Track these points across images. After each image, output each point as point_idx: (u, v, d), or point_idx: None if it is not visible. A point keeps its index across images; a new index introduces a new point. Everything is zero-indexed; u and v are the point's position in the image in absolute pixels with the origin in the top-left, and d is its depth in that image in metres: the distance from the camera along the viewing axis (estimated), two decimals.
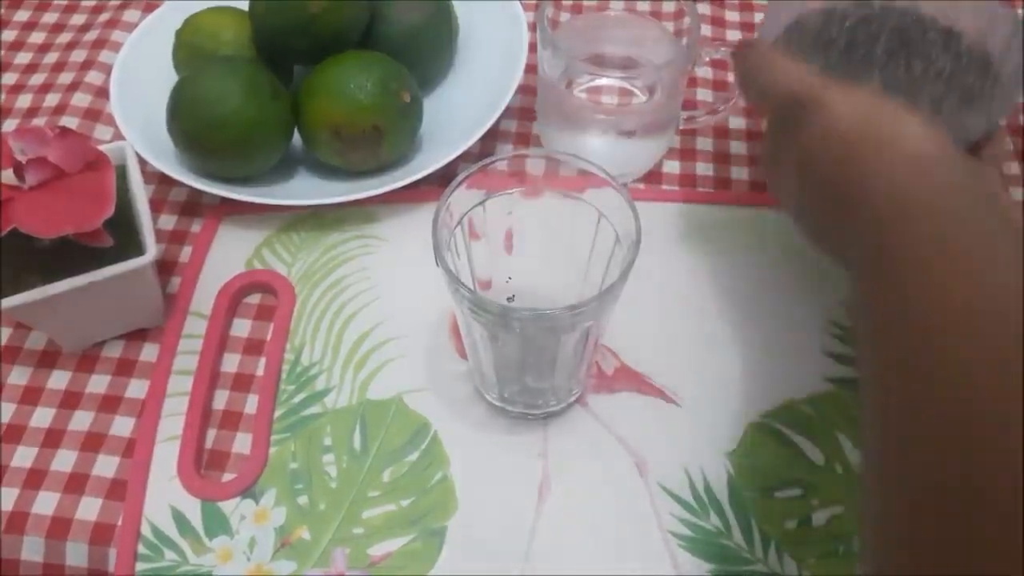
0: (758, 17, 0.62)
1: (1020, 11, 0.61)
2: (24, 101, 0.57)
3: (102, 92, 0.56)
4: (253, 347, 0.46)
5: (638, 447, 0.42)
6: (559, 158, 0.38)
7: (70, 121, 0.55)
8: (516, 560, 0.39)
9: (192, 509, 0.41)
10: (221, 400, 0.44)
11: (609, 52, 0.53)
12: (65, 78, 0.58)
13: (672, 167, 0.53)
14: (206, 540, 0.40)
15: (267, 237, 0.50)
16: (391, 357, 0.45)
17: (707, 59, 0.49)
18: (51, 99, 0.57)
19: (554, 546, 0.40)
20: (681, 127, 0.53)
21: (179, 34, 0.51)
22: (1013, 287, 0.26)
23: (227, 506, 0.41)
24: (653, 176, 0.53)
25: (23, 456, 0.42)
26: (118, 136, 0.51)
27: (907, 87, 0.45)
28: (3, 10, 0.63)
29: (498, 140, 0.54)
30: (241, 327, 0.47)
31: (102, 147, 0.44)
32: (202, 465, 0.42)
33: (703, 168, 0.53)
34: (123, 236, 0.43)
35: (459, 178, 0.37)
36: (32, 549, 0.40)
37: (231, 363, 0.45)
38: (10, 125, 0.55)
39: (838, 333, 0.46)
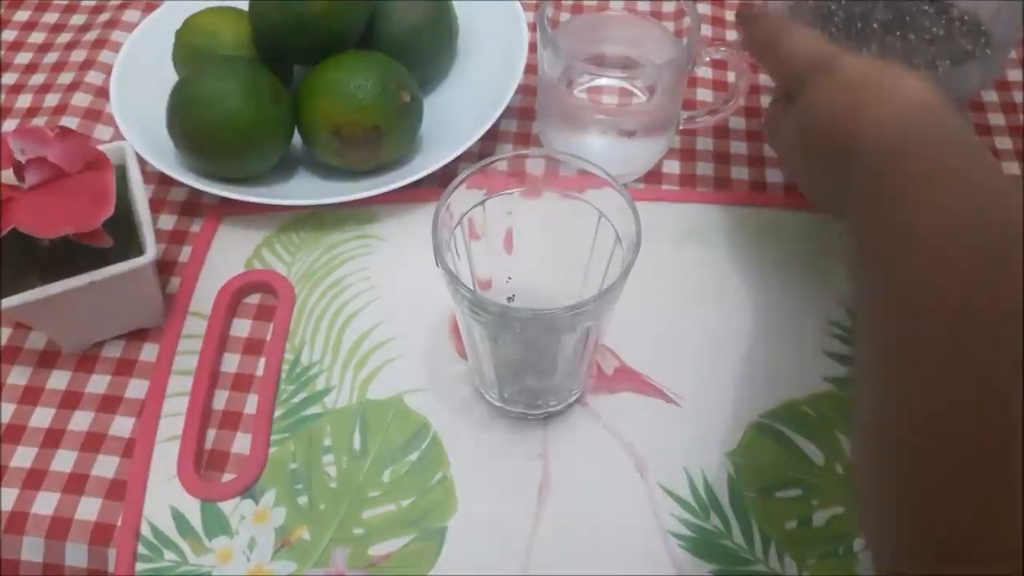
0: None
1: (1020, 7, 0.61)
2: (24, 101, 0.57)
3: (102, 92, 0.56)
4: (253, 347, 0.46)
5: (638, 447, 0.42)
6: (559, 158, 0.38)
7: (70, 121, 0.55)
8: (516, 560, 0.39)
9: (192, 509, 0.40)
10: (221, 400, 0.44)
11: (609, 52, 0.53)
12: (65, 78, 0.58)
13: (672, 167, 0.53)
14: (206, 540, 0.40)
15: (267, 237, 0.50)
16: (391, 357, 0.45)
17: (707, 59, 0.49)
18: (51, 99, 0.57)
19: (554, 546, 0.40)
20: (681, 127, 0.53)
21: (179, 34, 0.51)
22: (991, 199, 0.30)
23: (227, 506, 0.41)
24: (653, 176, 0.53)
25: (23, 456, 0.42)
26: (118, 136, 0.51)
27: (905, 54, 0.48)
28: (3, 10, 0.63)
29: (498, 140, 0.54)
30: (241, 327, 0.47)
31: (102, 147, 0.44)
32: (202, 465, 0.42)
33: (703, 168, 0.53)
34: (123, 236, 0.43)
35: (459, 178, 0.37)
36: (32, 549, 0.40)
37: (231, 363, 0.45)
38: (10, 125, 0.55)
39: (838, 333, 0.46)
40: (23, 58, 0.60)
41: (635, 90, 0.51)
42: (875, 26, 0.51)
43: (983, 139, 0.54)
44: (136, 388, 0.44)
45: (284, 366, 0.45)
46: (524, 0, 0.56)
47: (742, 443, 0.42)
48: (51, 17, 0.63)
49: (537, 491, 0.41)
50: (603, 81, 0.51)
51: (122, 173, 0.44)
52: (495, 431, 0.43)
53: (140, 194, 0.44)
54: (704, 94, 0.57)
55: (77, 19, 0.63)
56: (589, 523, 0.40)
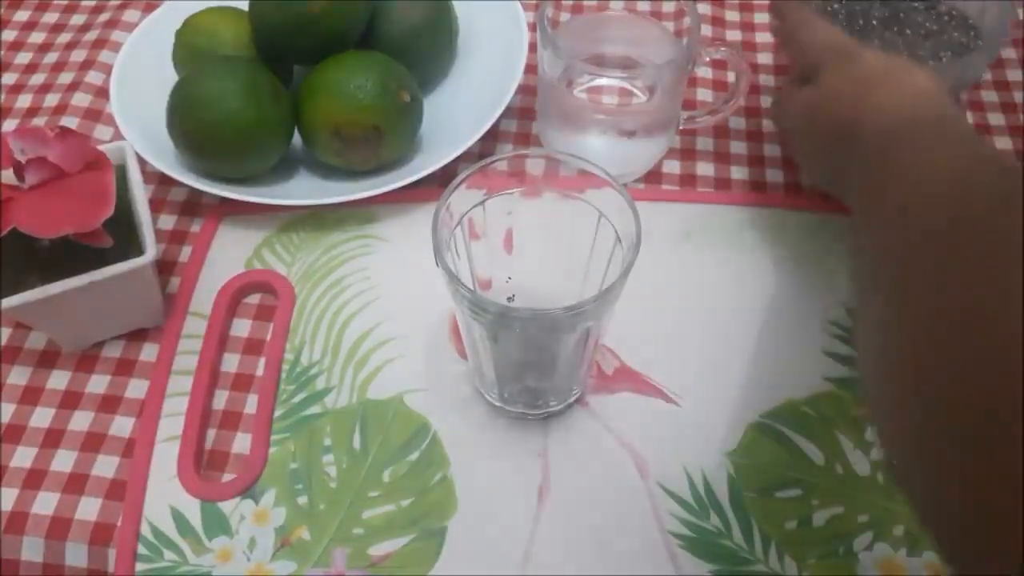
0: (758, 17, 0.62)
1: (1020, 11, 0.61)
2: (24, 101, 0.57)
3: (102, 92, 0.56)
4: (253, 347, 0.46)
5: (638, 447, 0.42)
6: (559, 158, 0.38)
7: (70, 121, 0.55)
8: (516, 560, 0.39)
9: (192, 509, 0.40)
10: (221, 400, 0.44)
11: (609, 52, 0.53)
12: (65, 78, 0.58)
13: (672, 167, 0.53)
14: (206, 540, 0.40)
15: (267, 237, 0.50)
16: (391, 357, 0.45)
17: (707, 59, 0.49)
18: (51, 99, 0.57)
19: (554, 546, 0.40)
20: (681, 127, 0.53)
21: (179, 34, 0.51)
22: (975, 167, 0.33)
23: (227, 506, 0.41)
24: (653, 176, 0.52)
25: (23, 456, 0.42)
26: (118, 136, 0.51)
27: (907, 48, 0.52)
28: (3, 10, 0.63)
29: (498, 140, 0.54)
30: (241, 327, 0.47)
31: (102, 147, 0.44)
32: (202, 465, 0.42)
33: (703, 168, 0.53)
34: (123, 236, 0.43)
35: (459, 178, 0.37)
36: (32, 549, 0.40)
37: (231, 363, 0.45)
38: (10, 125, 0.55)
39: (838, 333, 0.46)
40: (23, 58, 0.60)
41: (635, 90, 0.51)
42: (874, 23, 0.53)
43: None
44: (136, 388, 0.44)
45: (284, 366, 0.45)
46: (524, 0, 0.56)
47: (742, 443, 0.42)
48: (51, 17, 0.63)
49: (537, 491, 0.41)
50: (603, 81, 0.51)
51: (122, 173, 0.44)
52: (495, 431, 0.43)
53: (140, 194, 0.44)
54: (704, 94, 0.57)
55: (77, 19, 0.63)
56: (589, 523, 0.40)
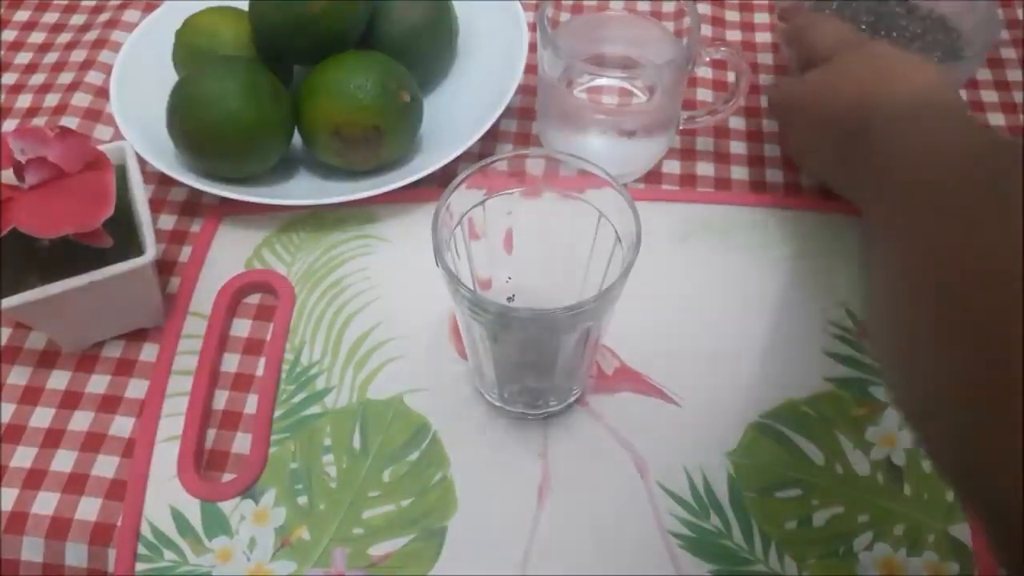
0: (758, 17, 0.62)
1: (1020, 11, 0.61)
2: (24, 101, 0.57)
3: (102, 92, 0.56)
4: (253, 347, 0.46)
5: (638, 447, 0.42)
6: (559, 158, 0.38)
7: (70, 121, 0.55)
8: (516, 560, 0.39)
9: (192, 509, 0.41)
10: (221, 400, 0.44)
11: (609, 52, 0.53)
12: (65, 78, 0.58)
13: (672, 167, 0.53)
14: (206, 540, 0.40)
15: (267, 237, 0.50)
16: (391, 357, 0.45)
17: (707, 59, 0.49)
18: (51, 99, 0.57)
19: (554, 546, 0.40)
20: (681, 127, 0.53)
21: (179, 34, 0.51)
22: (986, 146, 0.34)
23: (227, 506, 0.41)
24: (653, 176, 0.52)
25: (23, 456, 0.42)
26: (118, 136, 0.51)
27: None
28: (3, 10, 0.63)
29: (498, 140, 0.54)
30: (241, 327, 0.47)
31: (102, 147, 0.44)
32: (202, 465, 0.42)
33: (703, 168, 0.53)
34: (123, 236, 0.43)
35: (459, 178, 0.37)
36: (32, 549, 0.40)
37: (231, 363, 0.45)
38: (10, 125, 0.55)
39: (838, 333, 0.46)
40: (23, 58, 0.60)
41: (635, 90, 0.51)
42: (863, 27, 0.54)
43: None
44: (136, 388, 0.44)
45: (284, 366, 0.45)
46: (524, 0, 0.56)
47: (742, 443, 0.42)
48: (51, 17, 0.63)
49: (537, 491, 0.41)
50: (603, 81, 0.51)
51: (122, 173, 0.44)
52: (495, 431, 0.43)
53: (140, 194, 0.44)
54: (704, 94, 0.57)
55: (77, 19, 0.63)
56: (589, 523, 0.40)
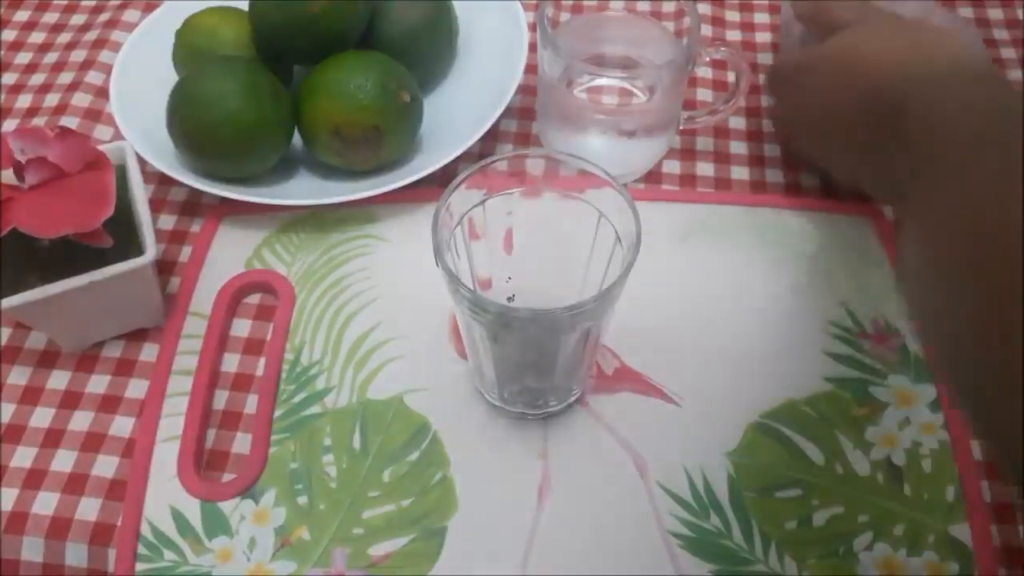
0: (758, 17, 0.62)
1: (1020, 11, 0.61)
2: (24, 101, 0.57)
3: (102, 92, 0.56)
4: (253, 347, 0.46)
5: (638, 447, 0.42)
6: (559, 158, 0.38)
7: (70, 121, 0.55)
8: (516, 560, 0.39)
9: (192, 509, 0.41)
10: (221, 400, 0.44)
11: (609, 52, 0.53)
12: (65, 78, 0.58)
13: (672, 167, 0.53)
14: (206, 540, 0.40)
15: (267, 237, 0.50)
16: (391, 357, 0.45)
17: (707, 59, 0.49)
18: (51, 99, 0.57)
19: (554, 546, 0.40)
20: (681, 127, 0.53)
21: (179, 34, 0.51)
22: (1010, 105, 0.34)
23: (227, 506, 0.41)
24: (653, 176, 0.52)
25: (23, 456, 0.42)
26: (118, 136, 0.51)
27: None
28: (3, 10, 0.63)
29: (498, 140, 0.54)
30: (241, 327, 0.47)
31: (102, 147, 0.44)
32: (202, 465, 0.42)
33: (703, 168, 0.53)
34: (123, 236, 0.43)
35: (459, 178, 0.37)
36: (32, 549, 0.40)
37: (231, 363, 0.45)
38: (10, 125, 0.55)
39: (838, 333, 0.46)
40: (23, 58, 0.60)
41: (635, 90, 0.51)
42: None
43: None
44: (136, 388, 0.44)
45: (284, 366, 0.45)
46: (524, 0, 0.56)
47: (742, 443, 0.42)
48: (51, 17, 0.63)
49: (537, 491, 0.41)
50: (603, 81, 0.51)
51: (122, 173, 0.44)
52: (495, 431, 0.43)
53: (140, 194, 0.44)
54: (704, 94, 0.57)
55: (77, 19, 0.63)
56: (589, 523, 0.40)
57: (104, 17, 0.62)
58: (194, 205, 0.51)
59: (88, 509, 0.41)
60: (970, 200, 0.32)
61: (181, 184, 0.49)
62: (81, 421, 0.43)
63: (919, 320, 0.35)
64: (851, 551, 0.39)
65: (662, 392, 0.44)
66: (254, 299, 0.48)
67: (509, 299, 0.43)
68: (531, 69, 0.54)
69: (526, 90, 0.56)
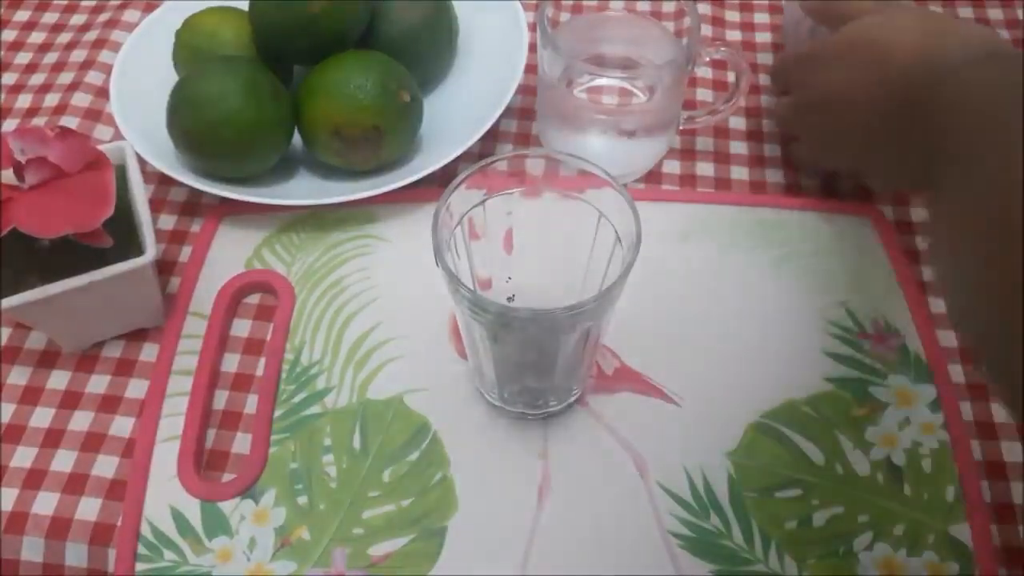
0: (758, 17, 0.62)
1: (1020, 11, 0.61)
2: (24, 101, 0.57)
3: (102, 92, 0.56)
4: (253, 347, 0.46)
5: (638, 447, 0.42)
6: (559, 158, 0.38)
7: (70, 121, 0.55)
8: (516, 560, 0.39)
9: (192, 509, 0.41)
10: (221, 400, 0.44)
11: (609, 52, 0.53)
12: (65, 78, 0.58)
13: (672, 167, 0.53)
14: (206, 540, 0.40)
15: (267, 237, 0.50)
16: (391, 357, 0.45)
17: (707, 59, 0.49)
18: (51, 99, 0.57)
19: (554, 546, 0.40)
20: (681, 127, 0.53)
21: (179, 34, 0.51)
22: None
23: (227, 506, 0.41)
24: (653, 176, 0.53)
25: (23, 456, 0.42)
26: (118, 136, 0.51)
27: None
28: (3, 10, 0.63)
29: (498, 140, 0.54)
30: (241, 327, 0.47)
31: (102, 147, 0.44)
32: (202, 465, 0.42)
33: (703, 168, 0.53)
34: (123, 236, 0.43)
35: (459, 178, 0.37)
36: (32, 549, 0.40)
37: (231, 363, 0.45)
38: (10, 125, 0.55)
39: (838, 333, 0.46)
40: (23, 58, 0.60)
41: (635, 90, 0.51)
42: None
43: None
44: (136, 388, 0.44)
45: (284, 366, 0.45)
46: (524, 0, 0.56)
47: (742, 443, 0.42)
48: (51, 17, 0.63)
49: (537, 491, 0.41)
50: (603, 81, 0.51)
51: (122, 173, 0.44)
52: (495, 431, 0.43)
53: (140, 194, 0.44)
54: (704, 94, 0.57)
55: (77, 19, 0.63)
56: (589, 523, 0.40)
57: (104, 17, 0.62)
58: (194, 205, 0.51)
59: (88, 509, 0.41)
60: (1002, 187, 0.31)
61: (181, 184, 0.49)
62: (81, 421, 0.43)
63: (951, 303, 0.35)
64: (851, 551, 0.39)
65: (662, 392, 0.44)
66: (254, 299, 0.48)
67: (509, 299, 0.43)
68: (531, 69, 0.54)
69: (526, 90, 0.56)
